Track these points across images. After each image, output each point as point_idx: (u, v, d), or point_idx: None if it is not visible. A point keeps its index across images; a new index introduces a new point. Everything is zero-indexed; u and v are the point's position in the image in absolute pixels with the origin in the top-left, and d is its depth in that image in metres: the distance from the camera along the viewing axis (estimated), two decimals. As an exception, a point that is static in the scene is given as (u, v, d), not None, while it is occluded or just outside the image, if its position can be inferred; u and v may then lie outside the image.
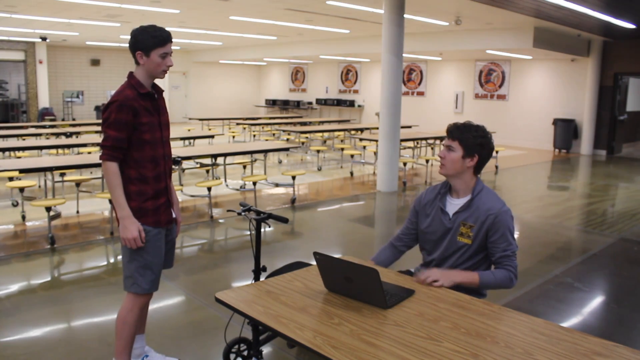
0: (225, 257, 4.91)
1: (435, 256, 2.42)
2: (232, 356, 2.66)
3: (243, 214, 2.62)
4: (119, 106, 2.32)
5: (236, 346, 2.67)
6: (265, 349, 3.03)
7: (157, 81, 2.57)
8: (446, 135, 2.39)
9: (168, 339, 3.18)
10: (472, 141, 2.32)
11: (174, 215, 2.58)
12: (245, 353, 2.69)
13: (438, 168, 2.46)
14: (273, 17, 10.78)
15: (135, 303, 2.50)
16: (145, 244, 2.42)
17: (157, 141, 2.46)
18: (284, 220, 2.55)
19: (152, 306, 3.80)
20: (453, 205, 2.39)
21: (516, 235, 5.94)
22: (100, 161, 2.38)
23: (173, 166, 6.35)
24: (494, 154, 10.25)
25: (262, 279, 2.41)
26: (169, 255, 2.67)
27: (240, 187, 7.59)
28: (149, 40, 2.36)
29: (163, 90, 2.62)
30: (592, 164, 12.03)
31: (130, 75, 2.45)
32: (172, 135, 10.18)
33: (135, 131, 2.37)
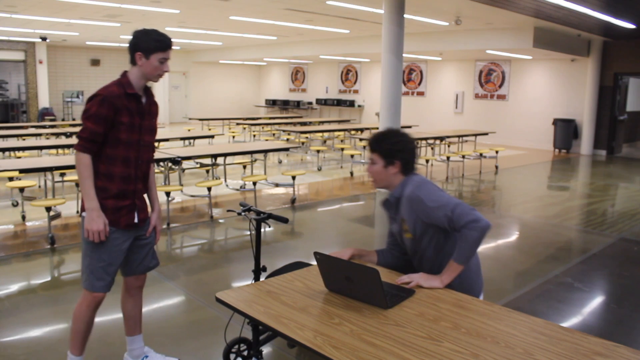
0: (225, 257, 4.91)
1: (413, 256, 2.43)
2: (232, 356, 2.66)
3: (243, 214, 2.62)
4: (102, 100, 2.32)
5: (236, 346, 2.67)
6: (265, 349, 3.03)
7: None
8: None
9: (168, 339, 3.18)
10: (390, 148, 2.33)
11: (136, 220, 2.52)
12: (245, 353, 2.69)
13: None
14: (273, 17, 10.78)
15: (85, 299, 2.53)
16: (104, 242, 2.44)
17: (132, 143, 2.44)
18: (284, 220, 2.55)
19: (152, 306, 3.81)
20: (393, 209, 2.43)
21: (516, 235, 5.94)
22: (74, 151, 2.40)
23: (173, 166, 6.39)
24: (493, 153, 10.18)
25: (262, 279, 2.41)
26: (140, 260, 2.63)
27: (240, 187, 7.59)
28: (152, 43, 2.38)
29: (154, 96, 2.59)
30: (592, 164, 12.03)
31: (123, 74, 2.45)
32: (172, 135, 10.11)
33: (113, 128, 2.36)
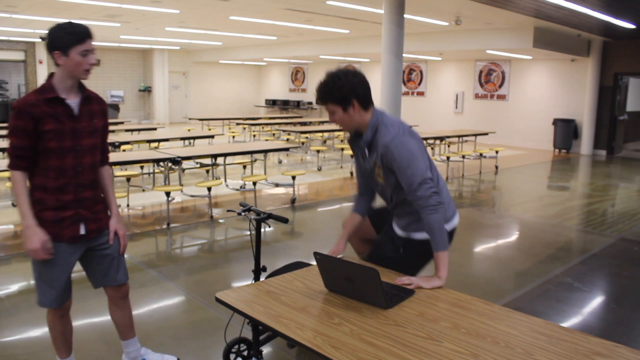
0: (225, 257, 4.91)
1: (382, 193, 2.50)
2: (232, 356, 2.66)
3: (243, 214, 2.62)
4: (17, 112, 2.15)
5: (236, 346, 2.67)
6: (265, 349, 3.03)
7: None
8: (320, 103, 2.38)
9: (168, 339, 3.18)
10: (340, 94, 2.29)
11: (82, 232, 2.33)
12: (245, 353, 2.69)
13: None
14: (273, 17, 10.78)
15: (49, 311, 2.45)
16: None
17: (66, 150, 2.23)
18: (284, 220, 2.55)
19: (152, 306, 3.81)
20: (363, 145, 2.43)
21: (516, 235, 5.94)
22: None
23: (173, 166, 6.39)
24: (493, 153, 10.18)
25: (262, 279, 2.41)
26: (104, 272, 2.47)
27: (240, 187, 7.59)
28: (67, 38, 2.17)
29: (92, 93, 2.37)
30: (592, 164, 12.03)
31: (48, 77, 2.29)
32: (172, 135, 10.11)
33: (41, 139, 2.18)
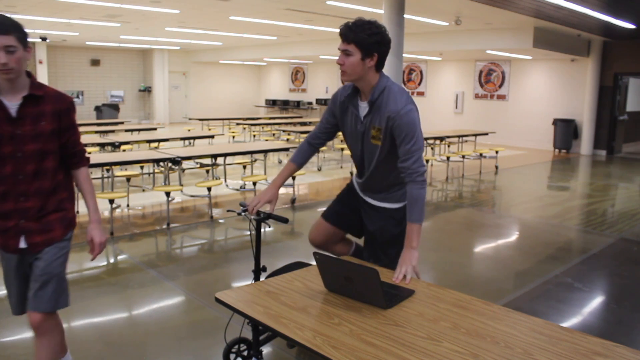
0: (225, 257, 4.91)
1: (363, 157, 2.49)
2: (232, 356, 2.66)
3: (243, 214, 2.62)
4: None
5: (236, 346, 2.67)
6: (265, 349, 3.03)
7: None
8: (340, 37, 2.27)
9: (168, 339, 3.18)
10: (368, 40, 2.22)
11: (22, 245, 2.11)
12: (245, 353, 2.68)
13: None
14: (273, 17, 10.78)
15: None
16: None
17: (4, 156, 2.03)
18: (284, 221, 2.55)
19: (152, 306, 3.81)
20: (362, 108, 2.40)
21: (516, 235, 5.94)
22: None
23: (173, 166, 6.39)
24: (493, 153, 10.19)
25: (262, 279, 2.41)
26: (34, 291, 2.12)
27: (240, 187, 7.59)
28: None
29: (38, 95, 2.09)
30: (592, 164, 12.03)
31: None
32: (172, 135, 10.10)
33: None
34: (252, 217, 2.52)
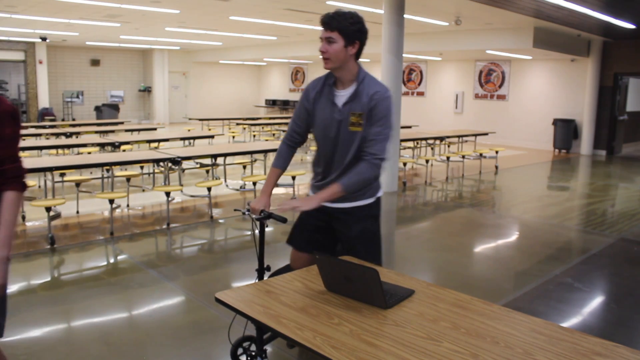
0: (225, 257, 4.91)
1: (336, 150, 2.46)
2: (240, 351, 2.64)
3: (247, 213, 2.62)
4: None
5: (243, 344, 2.65)
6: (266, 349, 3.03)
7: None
8: (322, 26, 2.36)
9: (168, 339, 3.18)
10: (351, 28, 2.32)
11: None
12: (252, 351, 2.67)
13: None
14: (273, 17, 10.78)
15: None
16: None
17: None
18: (283, 220, 2.55)
19: (152, 306, 3.81)
20: (340, 97, 2.42)
21: (516, 235, 5.94)
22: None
23: (173, 166, 6.39)
24: (493, 153, 10.19)
25: (265, 278, 2.41)
26: None
27: (240, 187, 7.59)
28: None
29: None
30: (592, 164, 12.03)
31: None
32: (172, 135, 10.10)
33: None
34: (255, 216, 2.52)
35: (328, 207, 2.53)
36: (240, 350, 2.65)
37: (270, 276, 2.58)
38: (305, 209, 2.33)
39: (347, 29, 2.31)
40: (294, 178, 7.11)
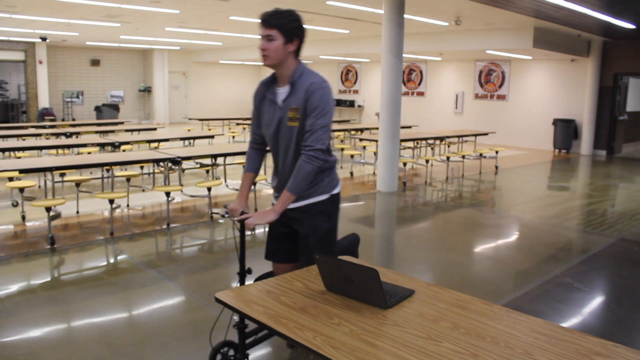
0: (225, 257, 4.91)
1: (279, 147, 2.48)
2: (220, 358, 2.62)
3: (226, 216, 2.59)
4: None
5: (224, 349, 2.63)
6: (265, 349, 3.03)
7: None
8: (261, 24, 2.39)
9: (168, 339, 3.18)
10: (290, 26, 2.36)
11: None
12: (232, 356, 2.65)
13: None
14: (273, 17, 10.77)
15: None
16: None
17: None
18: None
19: (152, 306, 3.81)
20: (280, 94, 2.44)
21: (516, 235, 5.94)
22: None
23: (173, 166, 6.38)
24: (493, 153, 10.17)
25: (247, 282, 2.38)
26: None
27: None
28: None
29: None
30: (592, 164, 12.03)
31: None
32: (172, 136, 10.09)
33: None
34: (236, 218, 2.48)
35: (286, 210, 2.50)
36: (219, 357, 2.61)
37: (255, 281, 2.56)
38: (260, 223, 2.32)
39: (287, 27, 2.35)
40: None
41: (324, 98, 2.34)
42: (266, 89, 2.50)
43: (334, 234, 2.58)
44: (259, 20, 2.40)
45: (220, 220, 2.51)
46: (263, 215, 2.33)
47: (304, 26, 2.41)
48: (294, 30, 2.37)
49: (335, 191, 2.57)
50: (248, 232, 2.55)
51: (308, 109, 2.34)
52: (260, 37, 2.41)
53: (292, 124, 2.39)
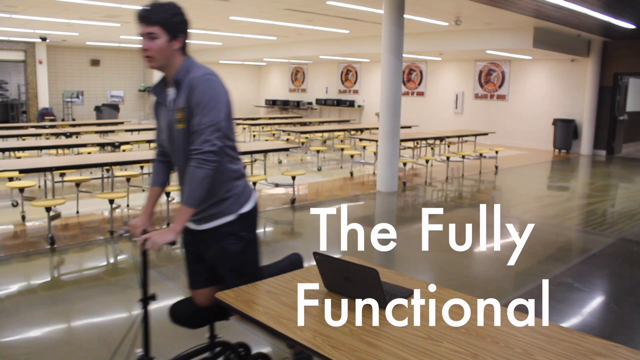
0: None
1: (175, 157, 2.25)
2: None
3: (125, 235, 2.45)
4: None
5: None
6: (265, 349, 3.03)
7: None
8: (139, 22, 2.09)
9: (168, 339, 3.18)
10: (173, 20, 2.10)
11: None
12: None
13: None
14: (273, 17, 10.78)
15: None
16: None
17: None
18: (172, 243, 2.13)
19: (152, 306, 3.80)
20: (169, 95, 2.21)
21: (516, 236, 5.94)
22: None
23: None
24: (493, 153, 10.18)
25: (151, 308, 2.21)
26: None
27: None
28: None
29: None
30: (592, 164, 12.03)
31: None
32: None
33: None
34: (135, 238, 2.20)
35: (195, 231, 2.29)
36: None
37: (171, 309, 2.42)
38: (159, 243, 2.04)
39: (169, 22, 2.08)
40: (294, 178, 7.10)
41: (207, 92, 2.07)
42: (157, 93, 2.25)
43: (250, 256, 2.30)
44: (136, 17, 2.09)
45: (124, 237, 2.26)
46: (162, 234, 2.05)
47: (187, 18, 2.15)
48: (178, 25, 2.11)
49: (245, 209, 2.28)
50: (152, 253, 2.19)
51: (192, 107, 2.09)
52: (140, 36, 2.11)
53: (180, 126, 2.14)
